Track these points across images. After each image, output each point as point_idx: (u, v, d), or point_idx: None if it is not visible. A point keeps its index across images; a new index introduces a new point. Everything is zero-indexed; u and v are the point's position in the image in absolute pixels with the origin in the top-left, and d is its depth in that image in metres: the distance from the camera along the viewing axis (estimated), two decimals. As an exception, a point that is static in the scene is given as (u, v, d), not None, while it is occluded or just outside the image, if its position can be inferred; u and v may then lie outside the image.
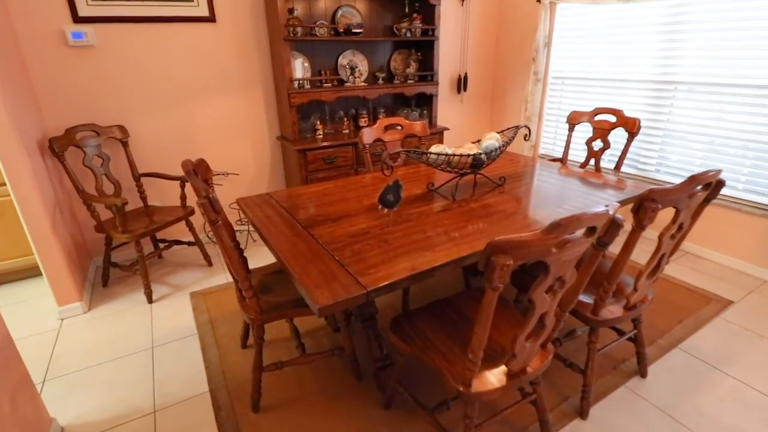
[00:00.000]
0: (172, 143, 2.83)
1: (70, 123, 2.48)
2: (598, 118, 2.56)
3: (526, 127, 2.09)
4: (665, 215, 1.84)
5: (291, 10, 2.74)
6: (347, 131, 3.21)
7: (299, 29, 2.79)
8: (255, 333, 1.55)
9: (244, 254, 1.99)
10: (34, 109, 2.32)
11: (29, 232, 2.06)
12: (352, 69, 3.14)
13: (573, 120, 2.64)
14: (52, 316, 2.30)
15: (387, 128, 2.38)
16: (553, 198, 1.82)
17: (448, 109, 3.90)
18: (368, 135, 2.30)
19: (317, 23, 2.91)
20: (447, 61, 3.71)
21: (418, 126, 2.46)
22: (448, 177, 2.07)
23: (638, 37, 2.93)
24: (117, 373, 1.91)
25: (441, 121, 3.83)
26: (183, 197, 2.66)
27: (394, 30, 3.20)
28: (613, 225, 1.07)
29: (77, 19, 2.36)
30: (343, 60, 3.16)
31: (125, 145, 2.61)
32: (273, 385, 1.79)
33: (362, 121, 3.30)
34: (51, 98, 2.43)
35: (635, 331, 1.70)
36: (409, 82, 3.32)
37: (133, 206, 2.71)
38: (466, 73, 3.80)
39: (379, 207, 1.71)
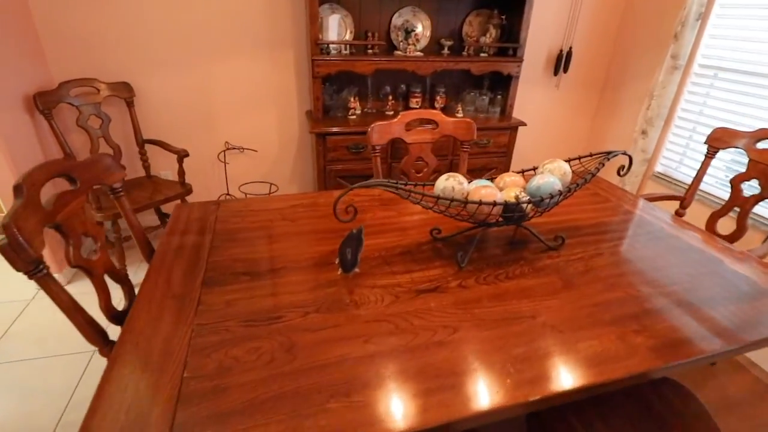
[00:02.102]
0: (184, 107, 2.47)
1: (75, 75, 2.22)
2: (761, 145, 1.59)
3: (624, 154, 1.28)
4: None
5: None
6: (391, 112, 2.55)
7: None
8: None
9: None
10: (32, 58, 2.08)
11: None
12: (407, 33, 2.43)
13: (717, 141, 1.69)
14: (32, 283, 2.16)
15: (412, 124, 1.69)
16: (638, 287, 1.05)
17: (535, 96, 2.98)
18: (381, 132, 1.64)
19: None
20: (544, 29, 2.76)
21: (461, 126, 1.73)
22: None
23: None
24: (44, 375, 1.67)
25: (521, 111, 2.94)
26: (181, 173, 2.32)
27: (474, -18, 2.39)
28: None
29: (78, -48, 2.02)
30: (398, 20, 2.46)
31: (130, 105, 2.31)
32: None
33: (413, 102, 2.60)
34: (57, 47, 2.17)
35: None
36: (481, 55, 2.51)
37: (133, 175, 2.45)
38: (570, 49, 2.82)
39: (336, 262, 1.11)
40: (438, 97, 2.61)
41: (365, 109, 2.60)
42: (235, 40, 2.37)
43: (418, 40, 2.47)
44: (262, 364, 0.81)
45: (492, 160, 2.58)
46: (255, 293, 1.01)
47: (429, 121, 1.71)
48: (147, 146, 2.40)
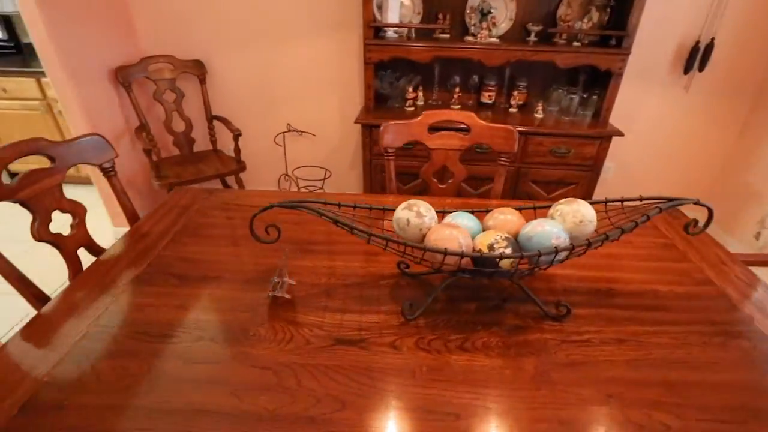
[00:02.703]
0: (251, 87, 2.52)
1: (163, 52, 2.41)
2: None
3: (698, 203, 0.87)
4: None
5: None
6: (458, 106, 2.26)
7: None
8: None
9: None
10: (123, 35, 2.31)
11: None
12: (484, 15, 2.09)
13: None
14: (110, 231, 2.46)
15: (438, 127, 1.42)
16: (659, 413, 0.70)
17: (652, 99, 2.35)
18: (396, 133, 1.41)
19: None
20: (675, 13, 2.13)
21: (498, 134, 1.40)
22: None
23: None
24: None
25: (627, 117, 2.34)
26: (237, 151, 2.39)
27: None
28: None
29: (166, -66, 2.14)
30: (475, 0, 2.13)
31: (202, 82, 2.44)
32: None
33: (486, 96, 2.27)
34: (146, 25, 2.38)
35: None
36: (574, 45, 2.04)
37: (203, 148, 2.60)
38: (711, 41, 2.13)
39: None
40: (516, 92, 2.23)
41: (429, 101, 2.35)
42: (301, 21, 2.31)
43: (495, 24, 2.10)
44: (117, 389, 0.72)
45: (572, 173, 2.12)
46: (169, 302, 0.92)
47: (461, 125, 1.42)
48: (215, 122, 2.53)
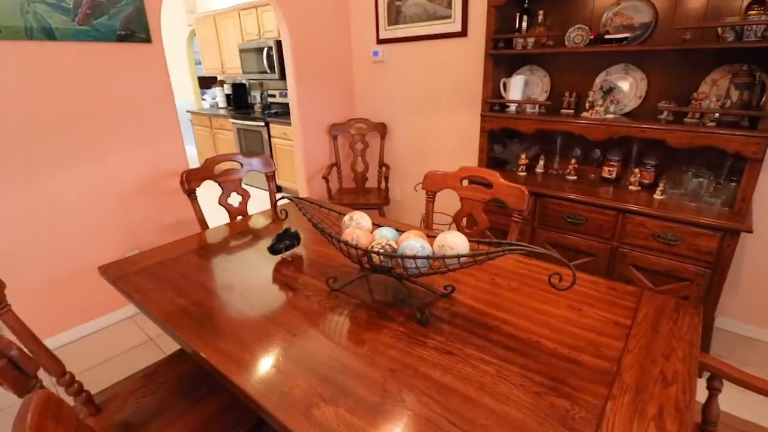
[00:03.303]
0: (413, 144, 3.22)
1: (365, 116, 3.43)
2: None
3: (561, 260, 1.08)
4: None
5: (521, 17, 2.23)
6: (574, 177, 2.29)
7: (530, 40, 2.24)
8: None
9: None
10: (346, 103, 3.44)
11: (297, 174, 3.33)
12: (606, 92, 2.12)
13: None
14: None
15: (469, 180, 1.69)
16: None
17: None
18: (434, 180, 1.76)
19: (572, 29, 2.15)
20: None
21: (512, 192, 1.55)
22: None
23: None
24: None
25: (763, 212, 1.77)
26: (386, 189, 3.11)
27: (718, 32, 1.77)
28: None
29: (378, 41, 3.15)
30: (604, 78, 2.17)
31: (383, 138, 3.31)
32: None
33: (606, 171, 2.22)
34: (361, 97, 3.45)
35: None
36: (708, 124, 1.81)
37: (372, 185, 3.44)
38: None
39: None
40: (639, 170, 2.09)
41: (550, 170, 2.45)
42: (451, 94, 2.87)
43: (617, 102, 2.09)
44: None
45: (683, 266, 1.81)
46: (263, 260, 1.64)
47: (486, 181, 1.65)
48: (384, 168, 3.34)
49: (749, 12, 1.69)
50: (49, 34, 1.87)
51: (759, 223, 2.01)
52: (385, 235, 1.25)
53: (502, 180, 1.61)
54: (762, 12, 1.63)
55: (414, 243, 1.10)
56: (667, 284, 1.89)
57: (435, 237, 1.17)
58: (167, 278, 1.37)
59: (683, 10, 1.92)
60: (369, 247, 1.14)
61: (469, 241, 1.11)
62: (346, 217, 1.32)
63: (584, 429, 0.79)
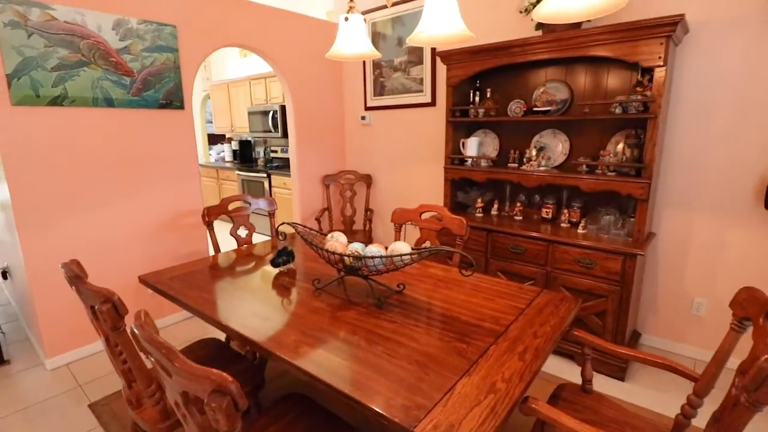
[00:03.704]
0: (394, 192, 3.78)
1: (353, 168, 4.03)
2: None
3: (463, 255, 1.45)
4: None
5: (475, 93, 2.87)
6: (520, 218, 2.81)
7: (480, 110, 2.86)
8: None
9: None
10: (338, 157, 4.05)
11: (293, 216, 3.84)
12: (539, 150, 2.71)
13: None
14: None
15: (424, 214, 2.20)
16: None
17: (727, 230, 2.23)
18: (400, 214, 2.28)
19: (513, 102, 2.78)
20: (754, 149, 2.15)
21: (455, 222, 2.06)
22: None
23: None
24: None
25: (669, 242, 2.28)
26: (369, 230, 3.61)
27: (611, 106, 2.38)
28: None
29: (366, 108, 3.81)
30: (537, 139, 2.77)
31: (368, 187, 3.87)
32: None
33: (544, 211, 2.74)
34: (351, 153, 4.07)
35: None
36: (609, 174, 2.36)
37: (358, 227, 3.95)
38: (791, 177, 2.01)
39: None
40: (568, 211, 2.62)
41: (502, 212, 2.98)
42: (422, 152, 3.48)
43: (549, 158, 2.67)
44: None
45: (599, 285, 2.28)
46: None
47: (437, 214, 2.17)
48: (369, 212, 3.88)
49: (636, 88, 2.29)
50: (109, 103, 2.47)
51: (664, 253, 2.52)
52: (356, 246, 1.74)
53: (448, 213, 2.13)
54: (640, 92, 2.24)
55: (373, 249, 1.59)
56: (589, 301, 2.35)
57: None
58: (194, 283, 1.83)
59: (589, 90, 2.55)
60: (343, 253, 1.63)
61: (412, 249, 1.60)
62: (329, 236, 1.81)
63: (472, 357, 1.23)
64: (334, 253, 1.62)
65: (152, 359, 0.93)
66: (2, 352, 2.52)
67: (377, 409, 1.01)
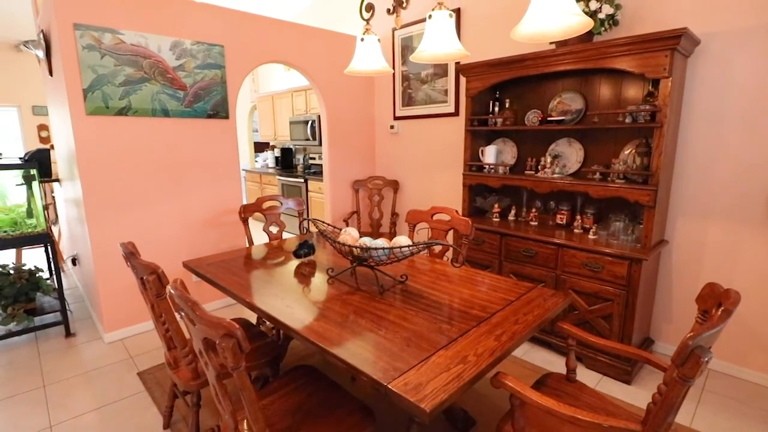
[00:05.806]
0: (419, 197, 3.96)
1: (382, 174, 4.25)
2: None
3: (454, 247, 1.62)
4: None
5: (494, 103, 3.01)
6: (535, 223, 2.90)
7: (499, 120, 2.99)
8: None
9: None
10: (368, 164, 4.29)
11: (325, 218, 4.11)
12: (554, 158, 2.80)
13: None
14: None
15: (436, 214, 2.37)
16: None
17: (739, 240, 2.22)
18: (414, 215, 2.46)
19: (530, 112, 2.90)
20: (767, 158, 2.15)
21: (461, 223, 2.21)
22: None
23: None
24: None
25: (683, 250, 2.28)
26: (393, 234, 3.80)
27: (621, 116, 2.45)
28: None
29: (395, 117, 4.04)
30: (553, 148, 2.86)
31: (395, 192, 4.08)
32: None
33: (559, 217, 2.83)
34: (380, 159, 4.30)
35: None
36: (617, 181, 2.42)
37: (385, 230, 4.16)
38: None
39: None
40: (581, 216, 2.68)
41: (519, 217, 3.08)
42: (446, 159, 3.64)
43: (560, 165, 2.76)
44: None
45: (605, 288, 2.34)
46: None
47: (446, 215, 2.33)
48: (394, 216, 4.08)
49: (648, 99, 2.36)
50: (165, 113, 2.85)
51: (678, 261, 2.53)
52: (365, 240, 1.94)
53: (456, 214, 2.29)
54: (651, 102, 2.30)
55: (379, 242, 1.79)
56: (596, 304, 2.41)
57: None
58: (229, 269, 2.11)
59: (604, 101, 2.63)
60: (352, 244, 1.84)
61: (412, 243, 1.78)
62: (342, 230, 2.03)
63: (453, 336, 1.40)
64: (344, 244, 1.84)
65: (183, 314, 1.18)
66: (69, 326, 2.94)
67: (361, 369, 1.21)
